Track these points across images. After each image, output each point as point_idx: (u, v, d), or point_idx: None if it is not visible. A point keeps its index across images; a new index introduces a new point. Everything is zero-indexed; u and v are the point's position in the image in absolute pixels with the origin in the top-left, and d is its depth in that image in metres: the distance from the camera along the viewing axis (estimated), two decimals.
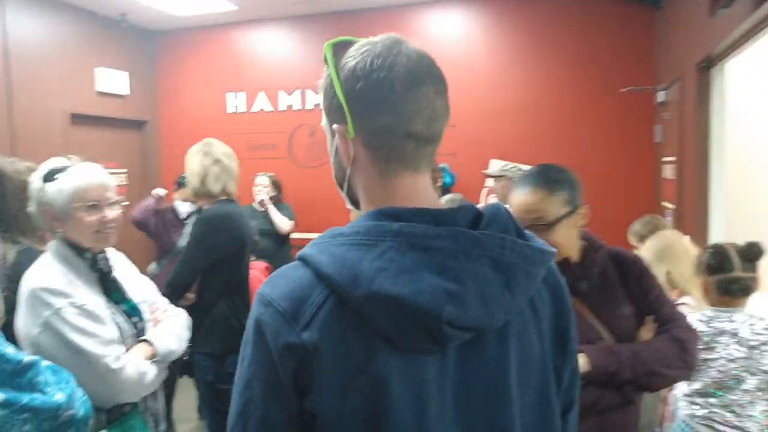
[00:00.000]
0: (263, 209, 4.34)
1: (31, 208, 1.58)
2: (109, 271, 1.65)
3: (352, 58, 0.78)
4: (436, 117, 0.79)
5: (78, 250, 1.59)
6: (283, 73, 5.31)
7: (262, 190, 4.39)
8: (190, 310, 2.40)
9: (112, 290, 1.64)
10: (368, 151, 0.79)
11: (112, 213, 1.62)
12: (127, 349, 1.59)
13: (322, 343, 0.69)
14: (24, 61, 4.30)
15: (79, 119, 4.82)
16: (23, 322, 1.48)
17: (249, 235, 2.65)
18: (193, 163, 2.54)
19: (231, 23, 5.43)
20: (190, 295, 2.50)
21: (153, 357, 1.63)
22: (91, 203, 1.57)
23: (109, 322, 1.56)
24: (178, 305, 2.30)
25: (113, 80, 5.15)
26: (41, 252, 1.80)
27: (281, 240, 4.36)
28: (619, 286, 1.51)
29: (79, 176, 1.59)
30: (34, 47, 4.39)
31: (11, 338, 1.30)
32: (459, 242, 0.72)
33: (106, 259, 1.65)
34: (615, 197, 4.44)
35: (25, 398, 1.03)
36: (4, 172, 1.85)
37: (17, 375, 1.05)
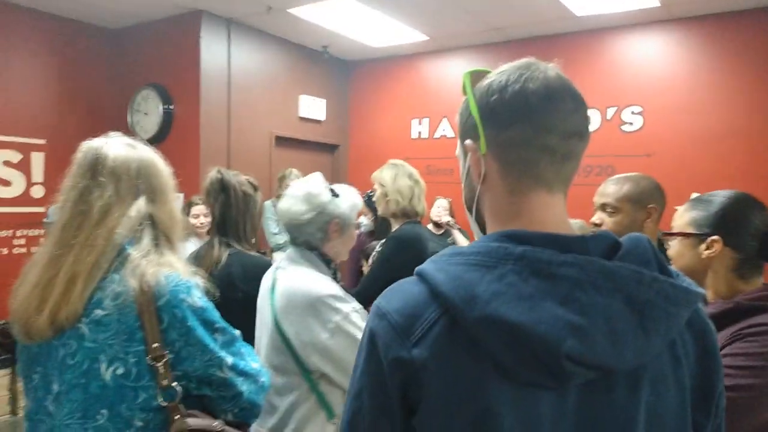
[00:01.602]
0: (440, 232, 4.40)
1: (309, 215, 1.73)
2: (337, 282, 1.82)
3: (488, 78, 0.78)
4: (573, 133, 0.74)
5: (326, 261, 1.77)
6: None
7: (443, 212, 4.47)
8: None
9: None
10: (500, 166, 0.76)
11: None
12: None
13: (431, 362, 0.67)
14: (241, 88, 4.90)
15: (282, 141, 5.35)
16: (303, 328, 1.60)
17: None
18: (401, 182, 2.64)
19: (420, 53, 5.65)
20: None
21: None
22: (356, 221, 1.80)
23: None
24: None
25: (313, 107, 5.64)
26: (250, 255, 2.04)
27: None
28: None
29: (356, 196, 1.82)
30: (250, 76, 4.99)
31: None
32: (587, 272, 0.66)
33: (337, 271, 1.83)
34: None
35: (241, 363, 1.20)
36: (230, 184, 2.12)
37: (231, 344, 1.21)
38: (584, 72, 4.80)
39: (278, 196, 4.49)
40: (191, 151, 4.57)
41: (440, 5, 4.29)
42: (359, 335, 1.56)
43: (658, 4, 4.10)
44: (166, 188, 1.27)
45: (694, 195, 3.78)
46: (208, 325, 1.16)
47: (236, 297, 1.88)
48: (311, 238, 1.76)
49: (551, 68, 0.77)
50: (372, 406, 0.72)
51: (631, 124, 4.62)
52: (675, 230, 1.39)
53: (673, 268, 0.74)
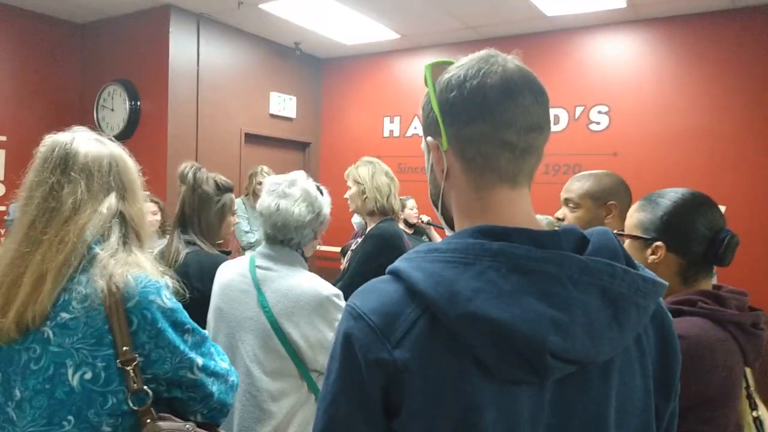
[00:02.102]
0: (411, 231, 4.41)
1: (310, 216, 1.72)
2: None
3: (447, 72, 0.78)
4: (532, 127, 0.75)
5: (305, 259, 1.78)
6: None
7: (414, 212, 4.48)
8: None
9: None
10: (462, 163, 0.76)
11: None
12: None
13: (414, 363, 0.66)
14: (210, 85, 4.83)
15: (252, 138, 5.29)
16: (312, 329, 1.59)
17: None
18: (379, 180, 2.63)
19: (392, 51, 5.65)
20: None
21: None
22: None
23: None
24: None
25: (284, 104, 5.60)
26: (208, 254, 2.00)
27: None
28: None
29: (327, 195, 1.82)
30: (219, 72, 4.93)
31: None
32: (565, 267, 0.66)
33: None
34: None
35: (211, 364, 1.19)
36: (188, 180, 2.09)
37: (201, 345, 1.19)
38: (553, 71, 4.86)
39: (248, 194, 4.44)
40: (159, 148, 4.49)
41: (412, 3, 4.30)
42: None
43: (625, 5, 4.18)
44: (135, 185, 1.24)
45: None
46: (178, 327, 1.14)
47: (193, 296, 1.85)
48: (303, 239, 1.73)
49: (510, 60, 0.77)
50: (350, 410, 0.70)
51: (598, 123, 4.71)
52: (625, 231, 1.39)
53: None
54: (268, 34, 5.25)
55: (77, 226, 1.11)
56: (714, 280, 1.42)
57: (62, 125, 1.27)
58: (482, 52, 0.78)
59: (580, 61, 4.77)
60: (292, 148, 5.92)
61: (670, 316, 0.80)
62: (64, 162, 1.16)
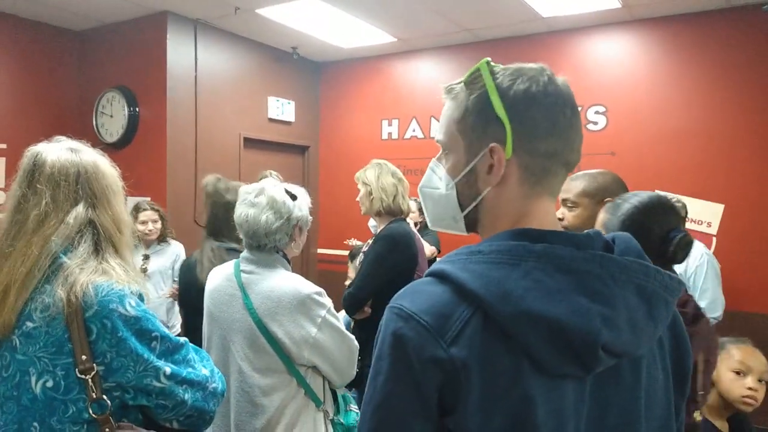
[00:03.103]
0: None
1: (278, 223, 1.77)
2: None
3: (512, 79, 0.77)
4: (578, 144, 0.80)
5: (288, 260, 1.83)
6: (436, 100, 5.39)
7: (413, 215, 4.48)
8: (364, 323, 2.57)
9: None
10: (522, 172, 0.78)
11: None
12: None
13: (470, 360, 0.67)
14: (209, 90, 4.85)
15: (250, 143, 5.31)
16: (295, 326, 1.67)
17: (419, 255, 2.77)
18: (385, 181, 2.68)
19: (389, 54, 5.67)
20: (367, 309, 2.61)
21: None
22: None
23: None
24: (354, 317, 2.57)
25: (282, 108, 5.61)
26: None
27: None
28: None
29: (306, 195, 1.89)
30: (217, 77, 4.94)
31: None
32: (605, 267, 0.70)
33: None
34: None
35: (184, 371, 1.16)
36: (213, 193, 2.33)
37: (174, 352, 1.18)
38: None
39: None
40: (158, 153, 4.50)
41: (409, 7, 4.32)
42: (338, 323, 1.70)
43: (620, 5, 4.20)
44: (108, 192, 1.22)
45: (656, 192, 3.89)
46: (143, 335, 1.12)
47: None
48: (279, 243, 1.80)
49: (561, 78, 0.80)
50: (402, 411, 0.70)
51: (595, 123, 4.72)
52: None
53: None
54: (266, 39, 5.26)
55: (41, 237, 1.12)
56: None
57: (62, 132, 1.28)
58: (539, 66, 0.79)
59: (577, 61, 4.78)
60: (291, 152, 5.93)
61: (680, 315, 0.84)
62: (31, 174, 1.18)
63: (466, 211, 0.84)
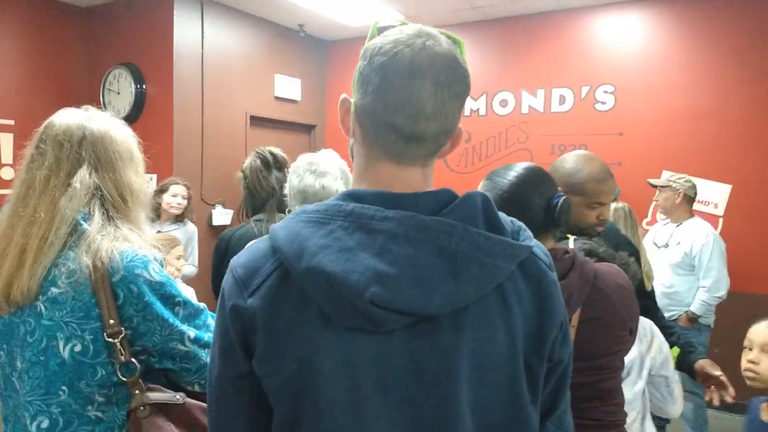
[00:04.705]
0: None
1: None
2: None
3: (376, 39, 0.80)
4: (424, 116, 0.76)
5: None
6: None
7: None
8: None
9: None
10: (360, 129, 0.81)
11: None
12: None
13: (262, 310, 0.74)
14: (215, 68, 4.84)
15: (257, 121, 5.30)
16: None
17: None
18: None
19: None
20: None
21: None
22: None
23: None
24: None
25: (289, 86, 5.59)
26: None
27: None
28: None
29: None
30: (224, 55, 4.93)
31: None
32: (403, 226, 0.72)
33: None
34: None
35: (205, 336, 1.19)
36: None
37: (195, 317, 1.21)
38: (559, 51, 4.83)
39: None
40: (164, 130, 4.51)
41: None
42: None
43: None
44: (115, 158, 1.21)
45: (665, 173, 3.89)
46: (168, 300, 1.15)
47: None
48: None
49: (436, 44, 0.78)
50: (219, 352, 0.80)
51: (604, 103, 4.68)
52: None
53: (517, 224, 0.83)
54: (273, 17, 5.23)
55: (48, 199, 1.13)
56: (571, 245, 1.58)
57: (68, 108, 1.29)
58: (417, 28, 0.79)
59: (586, 40, 4.73)
60: (297, 130, 5.92)
61: (554, 280, 0.84)
62: (40, 135, 1.19)
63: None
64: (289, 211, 2.25)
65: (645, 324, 1.70)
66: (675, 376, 1.76)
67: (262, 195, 2.30)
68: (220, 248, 2.26)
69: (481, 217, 0.76)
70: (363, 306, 0.70)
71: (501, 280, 0.76)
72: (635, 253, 2.17)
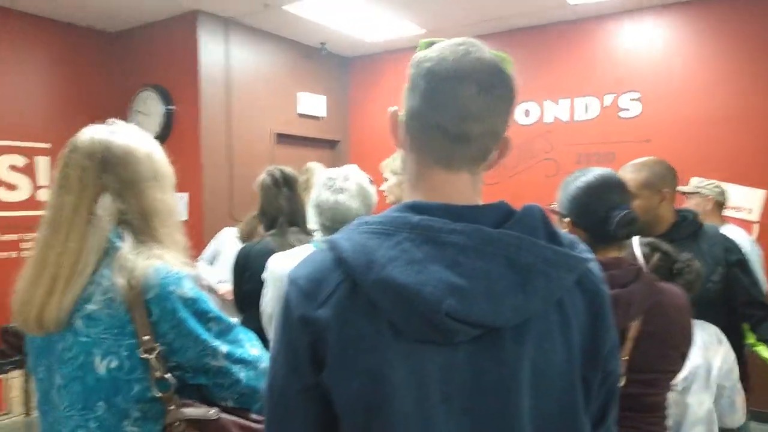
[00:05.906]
0: None
1: (362, 212, 1.82)
2: None
3: (426, 49, 0.84)
4: (469, 117, 0.78)
5: None
6: None
7: None
8: None
9: None
10: (409, 135, 0.83)
11: None
12: None
13: (332, 321, 0.74)
14: (240, 87, 4.92)
15: (282, 138, 5.37)
16: None
17: None
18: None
19: (417, 46, 5.64)
20: None
21: None
22: None
23: None
24: None
25: (313, 104, 5.66)
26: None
27: None
28: None
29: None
30: (248, 74, 5.01)
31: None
32: (473, 239, 0.72)
33: None
34: None
35: (238, 351, 1.20)
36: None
37: (228, 332, 1.21)
38: (581, 60, 4.80)
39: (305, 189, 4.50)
40: (192, 150, 4.60)
41: None
42: None
43: None
44: (137, 180, 1.21)
45: (693, 179, 3.81)
46: (201, 316, 1.16)
47: None
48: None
49: (480, 51, 0.81)
50: (285, 365, 0.79)
51: (629, 110, 4.63)
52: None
53: (570, 236, 0.82)
54: (294, 35, 5.31)
55: (78, 229, 1.15)
56: (635, 243, 1.58)
57: None
58: (462, 39, 0.83)
59: (607, 48, 4.69)
60: (321, 146, 5.98)
61: (606, 293, 0.84)
62: (65, 159, 1.21)
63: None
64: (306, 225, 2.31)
65: (712, 331, 1.68)
66: (738, 385, 1.72)
67: (272, 212, 2.36)
68: (239, 263, 2.30)
69: (542, 229, 0.78)
70: (437, 318, 0.70)
71: (562, 293, 0.78)
72: None
